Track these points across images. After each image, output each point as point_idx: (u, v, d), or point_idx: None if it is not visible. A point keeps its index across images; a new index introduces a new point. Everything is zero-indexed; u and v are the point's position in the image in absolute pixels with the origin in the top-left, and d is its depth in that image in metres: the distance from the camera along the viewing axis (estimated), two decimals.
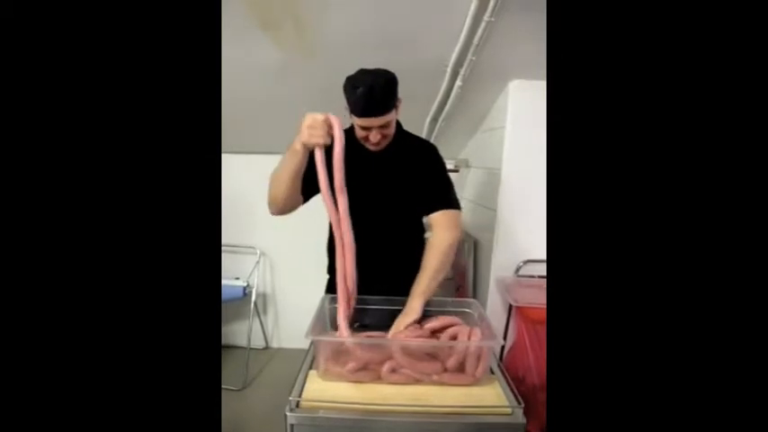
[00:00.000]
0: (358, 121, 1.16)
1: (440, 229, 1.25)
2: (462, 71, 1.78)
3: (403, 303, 1.17)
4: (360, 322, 1.21)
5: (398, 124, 1.30)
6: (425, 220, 1.33)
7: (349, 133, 1.32)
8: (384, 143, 1.22)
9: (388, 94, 1.13)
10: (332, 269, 1.39)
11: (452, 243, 1.23)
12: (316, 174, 1.07)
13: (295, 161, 1.13)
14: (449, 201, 1.28)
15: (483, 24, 1.52)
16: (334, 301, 1.22)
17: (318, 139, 1.04)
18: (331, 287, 1.38)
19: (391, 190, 1.28)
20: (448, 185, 1.31)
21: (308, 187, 1.21)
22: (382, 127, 1.16)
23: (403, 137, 1.32)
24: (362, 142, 1.23)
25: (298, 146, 1.09)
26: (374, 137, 1.17)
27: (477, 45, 1.61)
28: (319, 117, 1.04)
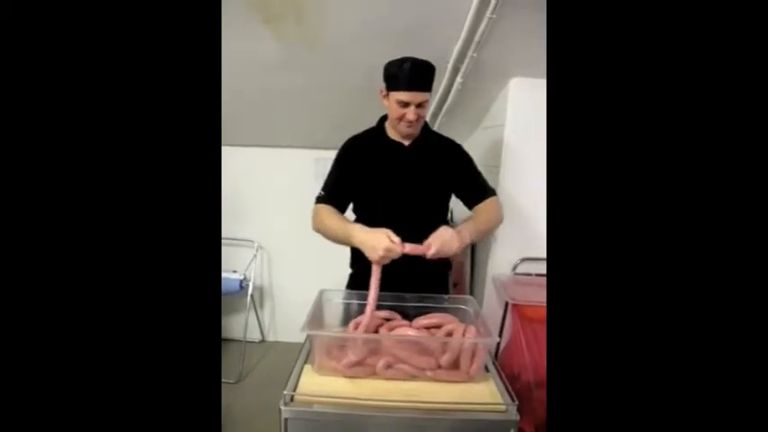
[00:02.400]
0: (400, 96, 1.21)
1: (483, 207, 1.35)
2: (463, 68, 1.77)
3: (404, 300, 1.19)
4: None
5: (425, 123, 1.38)
6: (459, 217, 1.43)
7: (377, 132, 1.38)
8: (417, 127, 1.30)
9: (431, 71, 1.23)
10: (354, 263, 1.45)
11: (500, 218, 1.37)
12: (354, 190, 1.31)
13: (340, 240, 1.24)
14: (490, 190, 1.41)
15: (485, 21, 1.51)
16: (333, 295, 1.25)
17: (387, 260, 1.09)
18: (353, 282, 1.42)
19: (421, 184, 1.34)
20: (483, 177, 1.43)
21: (346, 202, 1.36)
22: (419, 106, 1.23)
23: (429, 133, 1.41)
24: (395, 126, 1.30)
25: (355, 241, 1.16)
26: (411, 114, 1.23)
27: (479, 42, 1.61)
28: (397, 246, 1.08)
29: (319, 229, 1.30)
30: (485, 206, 1.36)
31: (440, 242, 1.09)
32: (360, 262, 1.40)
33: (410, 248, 1.08)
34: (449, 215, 1.52)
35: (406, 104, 1.22)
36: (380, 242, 1.08)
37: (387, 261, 1.08)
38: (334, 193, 1.34)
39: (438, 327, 1.09)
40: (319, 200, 1.34)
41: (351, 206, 1.41)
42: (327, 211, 1.30)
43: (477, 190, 1.39)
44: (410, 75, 1.19)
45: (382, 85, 1.26)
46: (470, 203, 1.39)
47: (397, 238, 1.08)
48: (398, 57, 1.21)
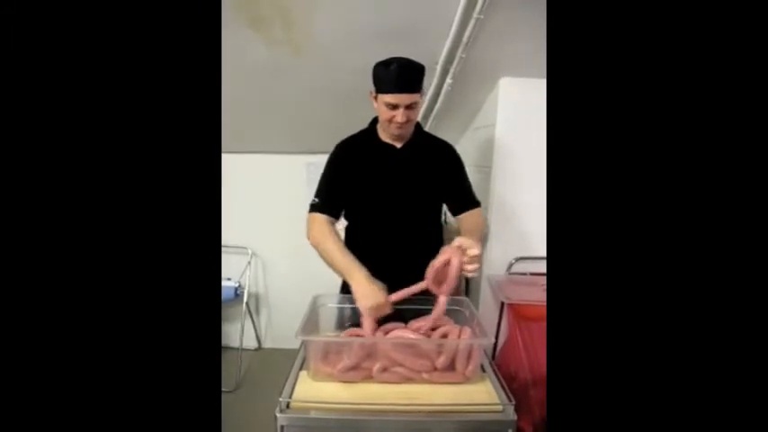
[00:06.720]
0: (388, 98, 1.20)
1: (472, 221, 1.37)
2: (452, 69, 1.77)
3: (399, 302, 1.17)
4: (352, 322, 1.21)
5: (418, 124, 1.37)
6: (453, 219, 1.44)
7: (369, 135, 1.38)
8: (407, 128, 1.29)
9: (419, 72, 1.22)
10: None
11: (484, 231, 1.39)
12: (347, 193, 1.31)
13: (336, 270, 1.21)
14: (476, 200, 1.40)
15: (472, 21, 1.51)
16: (327, 300, 1.24)
17: (374, 314, 1.09)
18: (346, 287, 1.39)
19: (414, 186, 1.34)
20: (470, 185, 1.42)
21: (341, 208, 1.36)
22: (408, 108, 1.22)
23: (422, 135, 1.41)
24: (386, 128, 1.29)
25: (352, 283, 1.14)
26: (401, 116, 1.21)
27: (467, 43, 1.61)
28: (387, 307, 1.09)
29: (317, 247, 1.27)
30: (471, 218, 1.36)
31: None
32: None
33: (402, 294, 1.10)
34: (443, 218, 1.52)
35: (395, 106, 1.21)
36: (375, 295, 1.08)
37: (373, 315, 1.08)
38: (329, 200, 1.32)
39: (434, 329, 1.09)
40: (314, 208, 1.31)
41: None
42: (329, 229, 1.27)
43: (464, 198, 1.39)
44: (397, 76, 1.18)
45: (372, 87, 1.25)
46: (455, 211, 1.39)
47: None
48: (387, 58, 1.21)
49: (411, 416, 0.90)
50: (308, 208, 1.34)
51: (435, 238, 1.41)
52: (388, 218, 1.32)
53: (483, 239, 1.36)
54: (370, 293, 1.08)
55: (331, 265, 1.22)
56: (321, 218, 1.29)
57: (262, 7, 1.52)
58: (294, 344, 1.01)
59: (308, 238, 1.30)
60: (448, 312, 1.17)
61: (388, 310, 1.08)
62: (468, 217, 1.36)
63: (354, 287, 1.12)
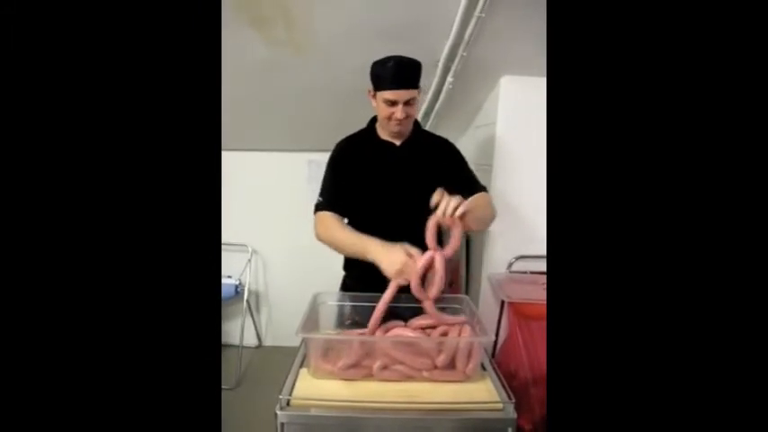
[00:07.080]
0: (387, 95, 1.22)
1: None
2: (453, 67, 1.77)
3: (399, 300, 1.16)
4: (352, 320, 1.21)
5: (417, 122, 1.38)
6: None
7: (368, 133, 1.38)
8: (407, 125, 1.30)
9: (416, 69, 1.23)
10: (348, 266, 1.44)
11: (493, 212, 1.33)
12: (350, 195, 1.31)
13: (352, 254, 1.21)
14: (481, 186, 1.39)
15: (474, 20, 1.51)
16: (327, 297, 1.24)
17: (405, 281, 1.06)
18: (346, 285, 1.42)
19: (413, 184, 1.33)
20: (473, 174, 1.42)
21: (346, 206, 1.34)
22: (407, 104, 1.23)
23: (421, 133, 1.41)
24: (385, 125, 1.30)
25: (370, 257, 1.12)
26: (400, 113, 1.22)
27: (468, 41, 1.61)
28: (413, 262, 1.04)
29: (327, 240, 1.27)
30: (475, 200, 1.33)
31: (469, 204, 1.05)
32: (354, 266, 1.40)
33: (424, 261, 1.05)
34: None
35: (393, 103, 1.22)
36: (399, 257, 1.05)
37: (402, 278, 1.05)
38: (334, 199, 1.32)
39: (434, 327, 1.09)
40: (319, 207, 1.32)
41: None
42: (335, 221, 1.27)
43: (467, 185, 1.36)
44: (395, 73, 1.19)
45: (370, 85, 1.26)
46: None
47: (415, 251, 1.06)
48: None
49: (411, 414, 0.90)
50: (309, 206, 1.34)
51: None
52: (388, 216, 1.32)
53: (487, 220, 1.33)
54: (394, 258, 1.05)
55: (344, 249, 1.24)
56: (327, 215, 1.29)
57: (262, 7, 1.51)
58: (294, 341, 1.02)
59: (317, 237, 1.29)
60: (448, 310, 1.18)
61: (414, 269, 1.04)
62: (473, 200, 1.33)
63: (376, 258, 1.10)
